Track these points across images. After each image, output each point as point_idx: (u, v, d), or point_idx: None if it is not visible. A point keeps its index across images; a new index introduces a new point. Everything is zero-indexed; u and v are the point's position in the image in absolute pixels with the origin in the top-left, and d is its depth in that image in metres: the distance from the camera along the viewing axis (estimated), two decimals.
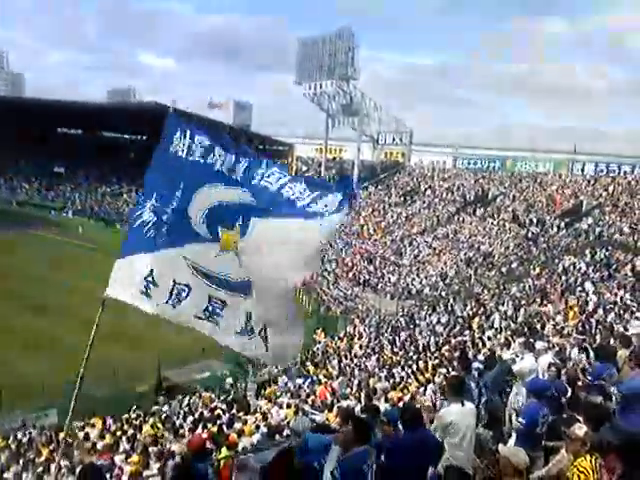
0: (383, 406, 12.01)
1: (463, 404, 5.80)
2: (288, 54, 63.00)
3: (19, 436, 17.64)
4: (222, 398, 20.29)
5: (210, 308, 5.05)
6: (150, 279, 4.97)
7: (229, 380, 23.69)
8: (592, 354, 8.87)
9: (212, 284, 5.02)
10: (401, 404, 11.83)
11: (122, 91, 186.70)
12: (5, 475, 13.49)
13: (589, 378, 7.20)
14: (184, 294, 5.01)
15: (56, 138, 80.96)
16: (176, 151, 4.97)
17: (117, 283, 5.03)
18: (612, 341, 9.50)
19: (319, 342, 28.18)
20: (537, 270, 32.27)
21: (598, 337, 14.20)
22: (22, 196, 74.32)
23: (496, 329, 21.05)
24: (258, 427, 13.25)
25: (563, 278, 27.80)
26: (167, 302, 5.01)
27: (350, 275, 43.43)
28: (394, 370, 18.54)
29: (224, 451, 9.26)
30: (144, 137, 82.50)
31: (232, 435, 11.64)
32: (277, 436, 10.01)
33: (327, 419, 12.00)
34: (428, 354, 20.37)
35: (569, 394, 7.11)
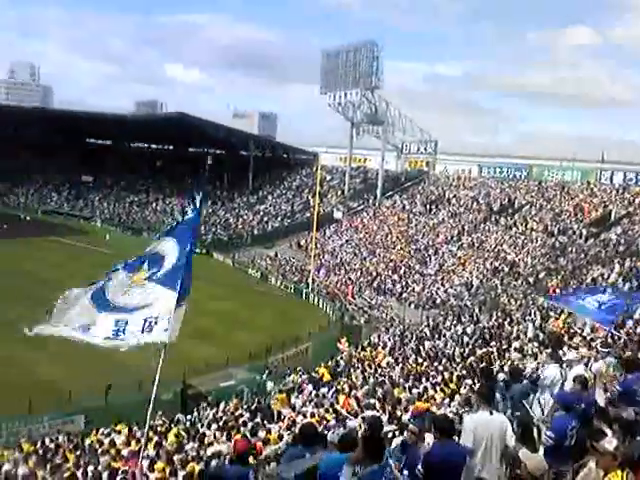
0: (406, 416, 11.89)
1: (491, 413, 5.71)
2: (313, 65, 63.10)
3: (46, 442, 17.83)
4: (246, 407, 20.25)
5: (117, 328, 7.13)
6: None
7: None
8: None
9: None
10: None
11: (149, 102, 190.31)
12: None
13: (618, 389, 7.03)
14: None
15: (85, 148, 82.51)
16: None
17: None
18: None
19: (342, 352, 28.03)
20: (555, 282, 31.76)
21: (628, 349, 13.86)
22: (51, 205, 75.87)
23: (530, 339, 20.68)
24: (281, 437, 13.21)
25: None
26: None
27: (374, 284, 43.31)
28: (418, 381, 18.33)
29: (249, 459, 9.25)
30: (170, 147, 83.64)
31: (258, 444, 11.64)
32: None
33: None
34: (453, 365, 20.12)
35: (599, 406, 6.95)
